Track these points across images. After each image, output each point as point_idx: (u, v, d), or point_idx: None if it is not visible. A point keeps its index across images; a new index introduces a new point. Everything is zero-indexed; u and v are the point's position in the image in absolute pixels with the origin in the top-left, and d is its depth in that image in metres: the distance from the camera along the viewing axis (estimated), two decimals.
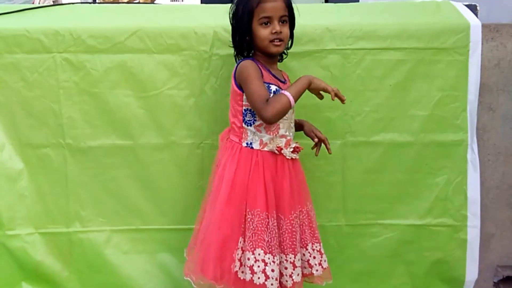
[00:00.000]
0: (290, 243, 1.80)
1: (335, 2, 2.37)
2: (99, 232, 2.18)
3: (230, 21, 1.86)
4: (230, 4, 1.84)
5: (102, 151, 2.13)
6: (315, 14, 2.08)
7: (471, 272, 2.22)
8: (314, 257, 1.91)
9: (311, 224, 1.92)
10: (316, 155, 1.95)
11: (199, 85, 2.11)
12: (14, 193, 2.12)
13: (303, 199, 1.90)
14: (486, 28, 2.19)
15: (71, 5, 2.26)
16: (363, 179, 2.19)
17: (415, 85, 2.14)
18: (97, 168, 2.15)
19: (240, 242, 1.76)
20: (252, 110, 1.80)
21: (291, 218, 1.81)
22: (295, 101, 1.74)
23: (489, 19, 2.33)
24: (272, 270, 1.74)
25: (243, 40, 1.83)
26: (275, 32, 1.76)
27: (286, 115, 1.79)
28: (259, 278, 1.73)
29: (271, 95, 1.76)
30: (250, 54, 1.87)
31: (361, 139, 2.16)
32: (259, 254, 1.74)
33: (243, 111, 1.82)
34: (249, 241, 1.75)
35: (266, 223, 1.76)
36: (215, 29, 2.07)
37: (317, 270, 1.90)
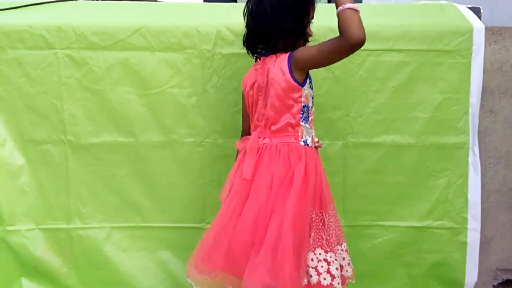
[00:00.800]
0: (340, 231, 1.78)
1: None
2: (99, 229, 2.18)
3: (289, 11, 1.72)
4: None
5: (103, 148, 2.14)
6: (318, 14, 2.07)
7: (471, 274, 2.22)
8: (345, 258, 1.83)
9: (337, 224, 1.83)
10: None
11: (201, 84, 2.11)
12: (15, 189, 2.13)
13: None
14: (489, 31, 2.19)
15: (75, 1, 2.26)
16: (363, 180, 2.19)
17: (417, 87, 2.14)
18: (98, 165, 2.15)
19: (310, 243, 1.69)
20: (308, 106, 1.74)
21: (331, 215, 1.75)
22: None
23: (492, 22, 2.33)
24: (336, 269, 1.67)
25: (303, 30, 1.77)
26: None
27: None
28: (325, 279, 1.63)
29: (312, 87, 1.76)
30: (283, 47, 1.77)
31: (363, 140, 2.16)
32: (320, 254, 1.67)
33: (302, 108, 1.73)
34: (312, 241, 1.68)
35: (323, 221, 1.71)
36: (218, 28, 2.07)
37: (347, 271, 1.83)
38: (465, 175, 2.19)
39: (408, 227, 2.22)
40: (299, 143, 1.73)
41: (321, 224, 1.69)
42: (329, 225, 1.73)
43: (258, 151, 1.74)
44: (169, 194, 2.18)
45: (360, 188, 2.19)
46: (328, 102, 2.10)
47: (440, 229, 2.22)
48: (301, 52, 1.69)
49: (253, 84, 1.79)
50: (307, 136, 1.76)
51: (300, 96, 1.71)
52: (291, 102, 1.72)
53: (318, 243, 1.67)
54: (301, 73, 1.71)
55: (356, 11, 1.55)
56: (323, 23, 2.10)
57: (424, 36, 2.11)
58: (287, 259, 1.58)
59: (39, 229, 2.16)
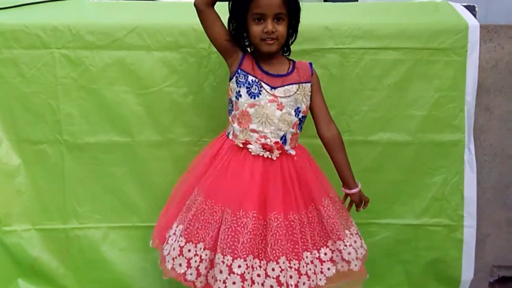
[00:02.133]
0: (316, 236, 1.77)
1: (334, 1, 2.38)
2: (96, 228, 2.18)
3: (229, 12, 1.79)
4: (230, 2, 1.78)
5: (100, 148, 2.13)
6: (314, 13, 2.08)
7: (467, 271, 2.23)
8: (350, 253, 1.81)
9: (336, 218, 1.81)
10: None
11: (198, 83, 2.11)
12: (11, 189, 2.12)
13: (306, 199, 1.78)
14: (484, 29, 2.20)
15: (70, 0, 2.25)
16: (360, 178, 2.17)
17: (413, 85, 2.15)
18: (95, 165, 2.14)
19: (177, 228, 1.76)
20: (231, 99, 1.79)
21: (285, 218, 1.70)
22: None
23: (487, 20, 2.34)
24: (205, 268, 1.69)
25: (239, 35, 1.76)
26: (267, 32, 1.68)
27: (265, 112, 1.73)
28: (191, 274, 1.69)
29: (245, 84, 1.74)
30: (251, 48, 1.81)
31: (359, 138, 2.16)
32: (200, 249, 1.70)
33: (228, 101, 1.82)
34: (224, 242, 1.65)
35: (241, 224, 1.66)
36: None
37: (356, 265, 1.81)
38: (461, 173, 2.20)
39: (404, 224, 2.23)
40: (225, 133, 1.82)
41: (233, 225, 1.64)
42: (274, 231, 1.66)
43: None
44: (166, 193, 2.15)
45: None
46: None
47: (436, 227, 2.23)
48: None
49: None
50: (230, 129, 1.80)
51: (229, 89, 1.80)
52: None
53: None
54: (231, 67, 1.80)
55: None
56: (319, 21, 2.11)
57: (420, 34, 2.11)
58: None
59: (36, 229, 2.16)
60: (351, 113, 2.16)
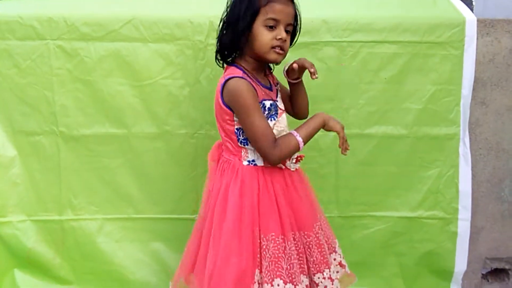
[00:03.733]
0: (322, 258, 1.66)
1: None
2: (91, 220, 2.18)
3: (225, 14, 1.65)
4: (232, 3, 1.65)
5: (95, 140, 2.13)
6: (311, 6, 2.07)
7: (460, 263, 2.25)
8: (341, 253, 1.82)
9: (328, 224, 1.82)
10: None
11: (194, 75, 2.10)
12: (6, 180, 2.12)
13: (316, 205, 1.78)
14: (481, 23, 2.20)
15: None
16: (356, 171, 2.20)
17: (409, 79, 2.15)
18: (90, 156, 2.14)
19: (257, 275, 1.55)
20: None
21: (315, 231, 1.67)
22: (305, 144, 1.61)
23: (484, 15, 2.34)
24: None
25: (238, 39, 1.60)
26: (280, 39, 1.56)
27: (282, 126, 1.65)
28: None
29: (266, 112, 1.60)
30: (234, 55, 1.67)
31: (355, 132, 2.17)
32: (278, 285, 1.54)
33: (236, 131, 1.62)
34: (266, 272, 1.54)
35: (283, 248, 1.57)
36: (211, 19, 2.05)
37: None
38: (456, 166, 2.21)
39: (400, 217, 2.24)
40: (242, 162, 1.63)
41: (283, 251, 1.57)
42: (314, 244, 1.65)
43: (218, 162, 1.72)
44: (162, 185, 2.18)
45: (352, 179, 2.21)
46: (321, 93, 2.09)
47: (431, 219, 2.24)
48: (233, 100, 1.57)
49: None
50: (256, 156, 1.63)
51: (232, 120, 1.61)
52: (223, 123, 1.64)
53: (277, 273, 1.55)
54: None
55: (297, 145, 1.58)
56: (316, 14, 2.11)
57: (417, 28, 2.11)
58: None
59: (31, 220, 2.15)
60: (347, 106, 2.16)
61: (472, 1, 2.25)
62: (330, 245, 1.77)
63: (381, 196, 2.23)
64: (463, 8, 2.17)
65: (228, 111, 1.60)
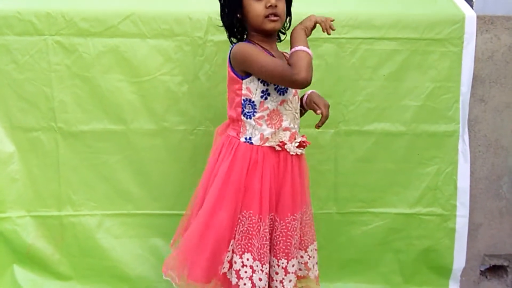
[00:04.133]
0: (284, 247, 1.66)
1: None
2: (90, 216, 2.18)
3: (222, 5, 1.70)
4: None
5: (94, 136, 2.13)
6: (310, 2, 2.06)
7: (459, 260, 2.26)
8: (314, 257, 1.81)
9: (312, 224, 1.81)
10: (317, 128, 1.72)
11: (193, 71, 2.10)
12: (5, 176, 2.12)
13: (306, 198, 1.78)
14: (481, 20, 2.19)
15: None
16: (355, 168, 2.20)
17: (408, 76, 2.15)
18: (89, 153, 2.14)
19: (232, 245, 1.64)
20: (252, 101, 1.62)
21: (287, 221, 1.66)
22: None
23: (484, 11, 2.33)
24: (260, 279, 1.62)
25: (234, 18, 1.65)
26: (270, 6, 1.57)
27: (290, 105, 1.66)
28: (245, 284, 1.61)
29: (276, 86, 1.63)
30: (244, 37, 1.72)
31: (354, 128, 2.17)
32: (247, 259, 1.62)
33: (242, 102, 1.63)
34: (237, 244, 1.63)
35: (258, 227, 1.62)
36: (209, 14, 2.04)
37: (316, 270, 1.82)
38: (455, 163, 2.21)
39: (398, 214, 2.25)
40: (239, 139, 1.66)
41: (257, 230, 1.61)
42: (280, 232, 1.66)
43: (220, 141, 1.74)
44: (161, 181, 2.18)
45: (351, 175, 2.21)
46: (319, 90, 2.06)
47: (429, 216, 2.25)
48: (237, 58, 1.62)
49: None
50: (254, 133, 1.65)
51: (240, 89, 1.63)
52: (232, 94, 1.67)
53: (248, 248, 1.62)
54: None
55: (307, 53, 1.54)
56: (315, 11, 2.08)
57: (416, 24, 2.11)
58: (202, 260, 1.63)
59: (30, 216, 2.15)
60: (346, 103, 2.16)
61: None
62: (302, 242, 1.77)
63: (380, 193, 2.24)
64: (463, 4, 2.17)
65: (237, 78, 1.63)
